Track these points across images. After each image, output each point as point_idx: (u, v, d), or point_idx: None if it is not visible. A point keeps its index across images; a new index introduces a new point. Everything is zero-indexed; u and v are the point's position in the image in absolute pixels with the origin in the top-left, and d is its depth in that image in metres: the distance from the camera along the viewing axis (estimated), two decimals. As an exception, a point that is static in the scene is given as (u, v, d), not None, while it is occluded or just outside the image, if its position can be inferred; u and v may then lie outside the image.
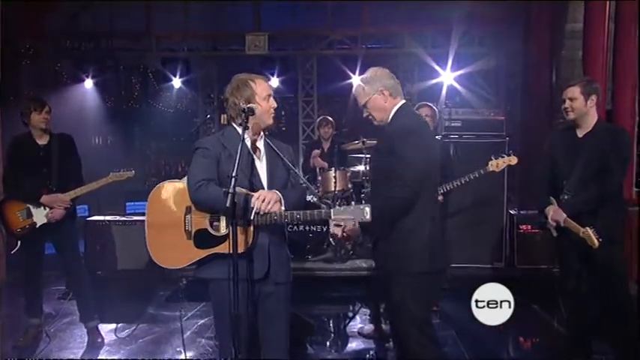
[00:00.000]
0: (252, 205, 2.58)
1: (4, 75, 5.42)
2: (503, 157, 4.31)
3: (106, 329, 4.55)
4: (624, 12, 5.02)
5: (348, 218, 2.66)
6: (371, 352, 4.34)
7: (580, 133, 3.52)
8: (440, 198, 3.89)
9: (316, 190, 5.99)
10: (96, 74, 8.37)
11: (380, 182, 2.98)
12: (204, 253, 2.71)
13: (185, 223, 2.73)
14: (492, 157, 4.30)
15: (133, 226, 5.64)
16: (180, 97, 9.63)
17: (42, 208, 4.16)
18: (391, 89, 2.98)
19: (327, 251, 6.00)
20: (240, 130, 2.70)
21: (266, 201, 2.60)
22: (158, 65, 8.69)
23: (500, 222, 5.75)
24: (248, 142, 2.75)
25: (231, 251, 2.48)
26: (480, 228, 5.63)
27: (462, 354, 4.14)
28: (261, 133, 2.85)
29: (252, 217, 2.59)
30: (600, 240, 3.24)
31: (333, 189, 5.85)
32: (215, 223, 2.71)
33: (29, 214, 4.17)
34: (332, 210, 2.66)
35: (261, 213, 2.60)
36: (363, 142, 5.94)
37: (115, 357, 4.18)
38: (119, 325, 4.64)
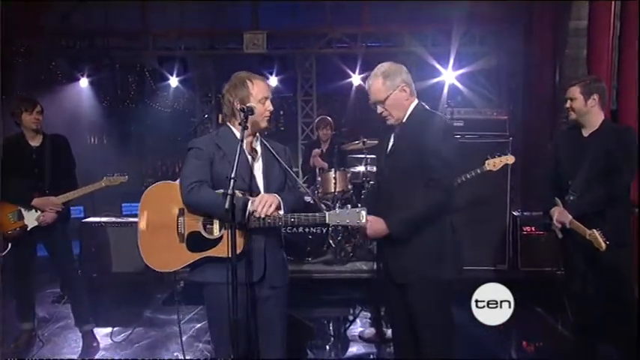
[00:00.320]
0: (248, 208, 2.54)
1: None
2: (500, 156, 4.25)
3: (102, 333, 4.50)
4: (630, 10, 4.96)
5: (343, 222, 2.62)
6: (372, 357, 4.30)
7: (585, 133, 3.47)
8: None
9: (316, 191, 5.94)
10: (91, 73, 8.27)
11: (407, 185, 2.77)
12: (196, 257, 2.68)
13: (178, 225, 2.69)
14: (489, 157, 4.26)
15: (129, 228, 5.57)
16: (177, 97, 9.57)
17: (33, 210, 4.10)
18: (411, 86, 2.86)
19: (326, 253, 5.97)
20: (234, 129, 2.71)
21: (267, 204, 2.56)
22: (155, 64, 8.60)
23: (503, 223, 5.68)
24: (244, 143, 2.68)
25: (229, 254, 2.44)
26: (483, 229, 5.55)
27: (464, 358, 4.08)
28: (257, 134, 2.80)
29: (246, 220, 2.54)
30: (607, 242, 3.16)
31: (332, 190, 5.83)
32: (208, 226, 2.68)
33: (20, 217, 4.11)
34: (327, 214, 2.61)
35: (259, 216, 2.56)
36: (364, 143, 5.91)
37: (111, 362, 4.13)
38: (115, 329, 4.60)
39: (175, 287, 5.23)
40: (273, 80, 8.21)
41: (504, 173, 5.35)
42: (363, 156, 6.11)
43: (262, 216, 2.56)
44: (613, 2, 5.07)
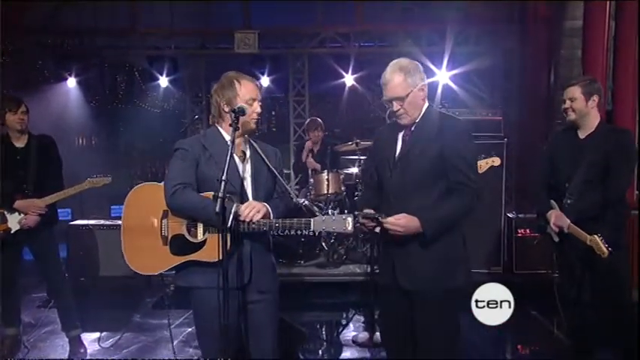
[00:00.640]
0: (233, 210, 2.50)
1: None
2: (485, 157, 4.21)
3: (89, 338, 4.45)
4: (625, 10, 4.97)
5: (329, 229, 2.58)
6: (365, 361, 4.27)
7: (582, 135, 3.42)
8: None
9: (308, 194, 5.90)
10: (79, 72, 8.14)
11: (427, 189, 2.69)
12: (180, 260, 2.65)
13: (162, 227, 2.66)
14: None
15: (117, 231, 5.29)
16: (167, 97, 9.50)
17: (17, 213, 4.01)
18: (426, 86, 2.78)
19: (319, 256, 5.95)
20: (221, 130, 2.70)
21: (254, 210, 2.54)
22: (144, 63, 8.51)
23: (498, 225, 5.67)
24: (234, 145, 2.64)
25: (219, 258, 2.39)
26: (477, 231, 5.51)
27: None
28: (246, 136, 2.75)
29: (229, 224, 2.48)
30: (610, 249, 3.10)
31: (325, 192, 5.80)
32: (192, 229, 2.64)
33: (3, 219, 4.01)
34: (312, 220, 2.57)
35: (244, 220, 2.53)
36: (357, 144, 5.87)
37: (99, 368, 4.09)
38: (103, 334, 4.54)
39: (165, 291, 5.21)
40: (265, 80, 8.15)
41: (499, 174, 5.34)
42: (356, 157, 6.08)
43: (247, 220, 2.53)
44: (608, 2, 5.11)
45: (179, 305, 4.95)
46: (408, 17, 8.01)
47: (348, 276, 5.66)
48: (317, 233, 5.58)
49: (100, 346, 4.38)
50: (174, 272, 2.72)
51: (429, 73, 7.64)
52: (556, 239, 3.43)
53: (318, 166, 6.34)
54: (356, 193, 5.90)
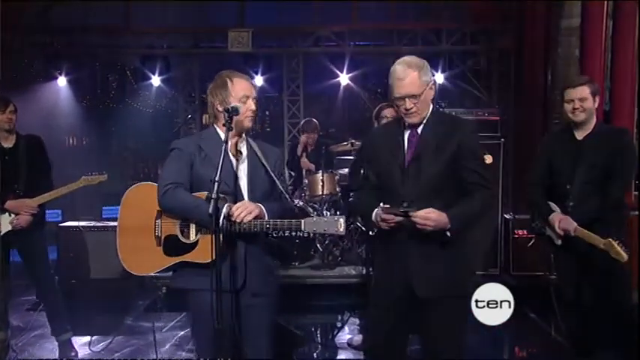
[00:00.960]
0: (224, 211, 2.46)
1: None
2: None
3: (80, 342, 4.40)
4: (623, 9, 4.98)
5: (320, 230, 2.56)
6: (361, 364, 4.25)
7: (580, 135, 3.39)
8: None
9: (303, 194, 5.86)
10: (70, 71, 8.12)
11: (445, 190, 2.61)
12: (172, 261, 2.63)
13: (155, 228, 2.64)
14: None
15: (108, 232, 5.45)
16: (159, 97, 9.41)
17: (7, 214, 3.96)
18: (435, 86, 2.75)
19: (314, 257, 5.88)
20: (218, 130, 2.68)
21: (246, 211, 2.50)
22: (136, 62, 8.49)
23: (495, 227, 5.63)
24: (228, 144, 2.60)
25: (212, 259, 2.37)
26: (474, 233, 5.48)
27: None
28: (243, 135, 2.72)
29: (220, 224, 2.44)
30: (628, 252, 3.04)
31: (320, 193, 5.75)
32: (185, 230, 2.62)
33: (-6, 220, 3.98)
34: (302, 221, 2.54)
35: (235, 220, 2.49)
36: (352, 144, 5.81)
37: (90, 372, 4.07)
38: (94, 337, 4.50)
39: (157, 294, 5.15)
40: (259, 80, 8.11)
41: (496, 174, 5.29)
42: (351, 158, 6.02)
43: (238, 220, 2.49)
44: (606, 1, 5.13)
45: (171, 308, 4.94)
46: (403, 16, 8.00)
47: (344, 278, 5.62)
48: (311, 234, 5.61)
49: (91, 349, 4.34)
50: (166, 274, 2.71)
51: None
52: (558, 242, 3.39)
53: (312, 167, 6.30)
54: (351, 193, 5.85)
